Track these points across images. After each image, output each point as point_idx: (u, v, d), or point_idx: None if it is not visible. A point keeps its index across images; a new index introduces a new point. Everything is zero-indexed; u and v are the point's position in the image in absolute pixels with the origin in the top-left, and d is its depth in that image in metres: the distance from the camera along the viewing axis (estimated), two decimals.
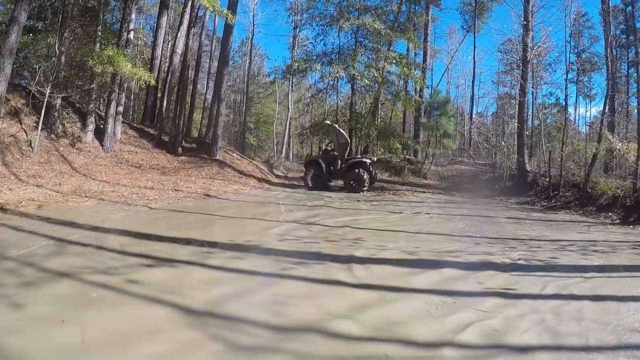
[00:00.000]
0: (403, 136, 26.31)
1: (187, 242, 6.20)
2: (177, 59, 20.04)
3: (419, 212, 11.82)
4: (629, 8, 27.58)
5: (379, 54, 24.03)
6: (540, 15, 30.71)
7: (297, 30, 34.33)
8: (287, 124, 35.22)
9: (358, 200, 14.01)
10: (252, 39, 37.01)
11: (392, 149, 23.36)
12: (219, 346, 3.03)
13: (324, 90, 26.32)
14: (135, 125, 20.12)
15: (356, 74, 23.28)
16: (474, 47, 34.47)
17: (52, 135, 14.31)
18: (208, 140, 21.16)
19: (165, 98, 19.91)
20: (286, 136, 35.43)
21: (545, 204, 16.27)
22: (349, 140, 17.92)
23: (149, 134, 18.71)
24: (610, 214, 13.72)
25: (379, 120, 25.06)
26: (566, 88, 27.83)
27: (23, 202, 8.24)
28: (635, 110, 24.64)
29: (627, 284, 5.41)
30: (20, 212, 7.42)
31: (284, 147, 35.14)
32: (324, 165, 17.10)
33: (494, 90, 43.23)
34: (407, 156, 25.85)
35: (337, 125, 17.63)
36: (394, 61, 23.80)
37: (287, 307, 3.83)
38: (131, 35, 16.83)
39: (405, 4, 24.30)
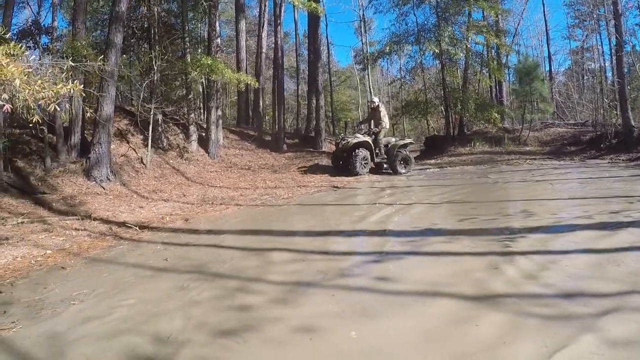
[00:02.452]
0: (500, 106, 25.33)
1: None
2: (262, 59, 20.13)
3: (554, 179, 11.56)
4: None
5: (462, 26, 23.33)
6: None
7: (363, 13, 33.99)
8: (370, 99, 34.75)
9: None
10: (327, 30, 36.72)
11: (491, 119, 22.90)
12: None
13: (413, 70, 25.53)
14: (233, 129, 20.44)
15: (448, 48, 22.66)
16: (543, 3, 32.52)
17: (160, 150, 14.60)
18: (310, 134, 21.16)
19: (260, 98, 20.07)
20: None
21: None
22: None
23: (249, 136, 18.94)
24: None
25: (469, 93, 24.01)
26: None
27: (167, 218, 8.22)
28: None
29: None
30: (173, 229, 7.34)
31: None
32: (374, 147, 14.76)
33: (565, 45, 40.60)
34: (503, 125, 24.96)
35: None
36: (482, 30, 23.07)
37: None
38: (218, 41, 16.87)
39: None
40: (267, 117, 27.31)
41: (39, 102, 5.23)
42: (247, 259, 5.17)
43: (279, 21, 20.37)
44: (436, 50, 22.46)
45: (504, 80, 27.19)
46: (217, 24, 16.92)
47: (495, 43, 23.65)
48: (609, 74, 31.22)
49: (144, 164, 13.22)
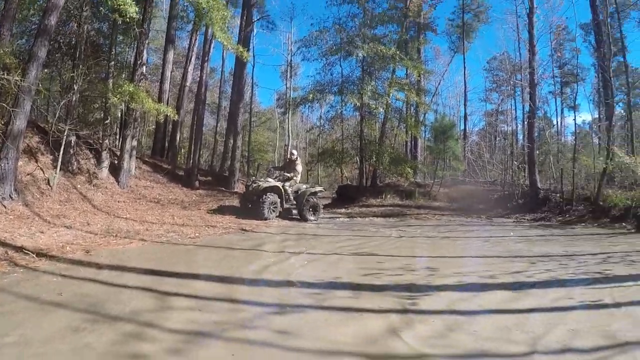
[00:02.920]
0: (413, 161, 26.48)
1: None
2: (185, 92, 19.94)
3: (460, 237, 12.32)
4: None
5: (385, 82, 24.40)
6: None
7: (291, 59, 34.81)
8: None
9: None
10: (253, 70, 37.13)
11: (404, 174, 23.67)
12: None
13: (333, 119, 26.20)
14: (147, 159, 19.86)
15: (369, 102, 23.51)
16: (464, 67, 35.13)
17: (68, 173, 13.88)
18: (224, 173, 20.98)
19: (178, 132, 19.73)
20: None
21: (561, 218, 17.18)
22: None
23: (162, 168, 18.48)
24: (624, 224, 14.93)
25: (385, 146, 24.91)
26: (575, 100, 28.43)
27: (67, 247, 7.74)
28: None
29: None
30: (72, 260, 6.93)
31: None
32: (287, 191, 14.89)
33: (481, 107, 43.64)
34: (415, 179, 25.97)
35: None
36: (404, 87, 24.23)
37: None
38: (144, 69, 16.54)
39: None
40: (182, 151, 26.94)
41: None
42: (146, 301, 4.97)
43: (207, 57, 20.42)
44: (357, 103, 23.17)
45: (420, 137, 28.47)
46: (145, 51, 16.65)
47: (415, 101, 24.83)
48: (520, 137, 34.17)
49: (50, 186, 12.49)
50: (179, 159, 21.04)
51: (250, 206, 14.58)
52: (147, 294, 5.28)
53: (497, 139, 44.45)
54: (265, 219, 13.83)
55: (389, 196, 22.68)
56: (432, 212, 19.30)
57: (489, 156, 36.99)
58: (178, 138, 19.66)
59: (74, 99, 13.92)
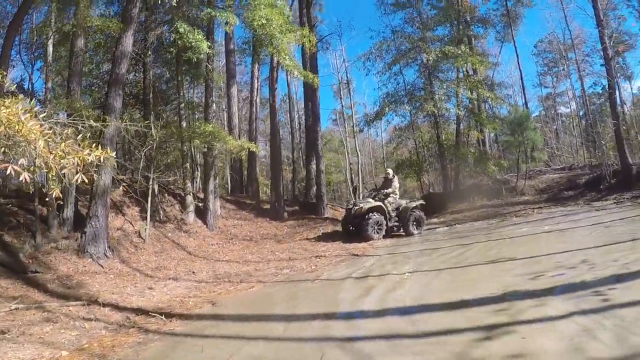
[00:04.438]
0: (497, 158, 25.26)
1: None
2: (257, 124, 19.65)
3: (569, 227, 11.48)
4: None
5: (452, 82, 23.51)
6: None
7: (347, 76, 34.31)
8: (359, 169, 34.35)
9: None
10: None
11: (489, 172, 22.78)
12: None
13: (405, 129, 25.34)
14: (228, 197, 19.53)
15: (444, 106, 22.84)
16: (517, 54, 33.07)
17: (157, 223, 13.53)
18: (310, 200, 20.40)
19: (257, 165, 19.44)
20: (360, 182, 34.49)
21: None
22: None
23: (246, 204, 18.04)
24: None
25: (467, 147, 23.91)
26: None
27: (189, 302, 7.10)
28: None
29: None
30: (203, 316, 6.27)
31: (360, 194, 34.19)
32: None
33: (536, 92, 41.55)
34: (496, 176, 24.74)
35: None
36: (475, 85, 23.16)
37: None
38: (214, 107, 16.26)
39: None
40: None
41: (63, 171, 4.26)
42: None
43: (275, 86, 20.07)
44: (433, 109, 22.30)
45: (497, 132, 27.24)
46: (213, 89, 16.40)
47: (486, 96, 23.63)
48: (581, 114, 32.30)
49: (142, 238, 12.13)
50: (260, 192, 20.75)
51: (353, 229, 14.11)
52: (329, 344, 4.43)
53: (559, 121, 42.31)
54: (371, 240, 13.28)
55: (476, 198, 21.67)
56: (528, 207, 18.06)
57: (556, 141, 35.13)
58: (256, 171, 19.29)
59: (153, 146, 13.60)
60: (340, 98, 37.18)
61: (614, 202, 15.80)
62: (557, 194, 20.30)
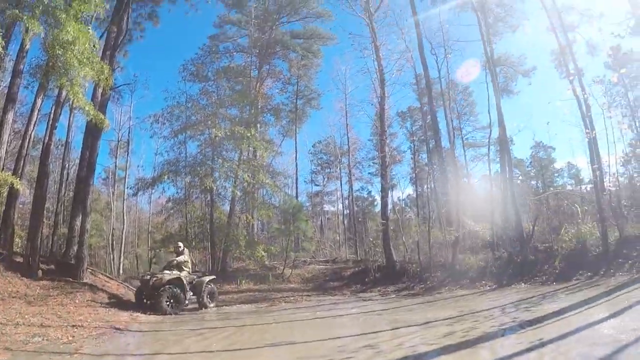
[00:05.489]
0: (268, 244, 25.73)
1: None
2: (26, 162, 16.87)
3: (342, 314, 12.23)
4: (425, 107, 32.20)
5: (234, 163, 23.82)
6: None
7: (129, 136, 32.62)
8: (122, 237, 31.77)
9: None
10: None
11: (257, 257, 22.99)
12: None
13: (180, 202, 24.38)
14: None
15: (223, 184, 22.80)
16: (296, 150, 35.99)
17: None
18: (69, 260, 17.64)
19: (14, 207, 16.38)
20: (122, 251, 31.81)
21: (423, 286, 17.64)
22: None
23: None
24: (484, 282, 16.22)
25: (240, 229, 24.04)
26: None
27: None
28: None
29: None
30: None
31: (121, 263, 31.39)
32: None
33: (306, 188, 45.08)
34: (265, 263, 25.20)
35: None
36: (255, 169, 23.93)
37: None
38: None
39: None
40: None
41: None
42: None
43: (56, 123, 17.62)
44: (211, 185, 22.07)
45: (268, 220, 28.14)
46: None
47: (265, 182, 24.41)
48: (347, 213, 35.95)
49: None
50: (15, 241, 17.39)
51: (147, 302, 13.54)
52: None
53: (325, 217, 46.08)
54: (166, 314, 12.73)
55: (243, 281, 21.73)
56: (296, 294, 18.49)
57: (321, 236, 37.83)
58: (15, 215, 16.17)
59: None
60: (116, 157, 34.97)
61: (379, 294, 17.04)
62: (323, 284, 21.37)
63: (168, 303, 13.03)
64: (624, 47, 16.86)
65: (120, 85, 24.33)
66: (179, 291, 13.41)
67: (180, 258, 14.67)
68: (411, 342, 7.05)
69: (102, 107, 17.12)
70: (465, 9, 26.95)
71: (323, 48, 33.74)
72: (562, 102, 19.34)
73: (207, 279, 15.02)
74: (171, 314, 12.78)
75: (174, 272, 14.01)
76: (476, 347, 6.63)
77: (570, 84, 17.78)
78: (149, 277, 13.95)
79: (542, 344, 6.12)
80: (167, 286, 13.21)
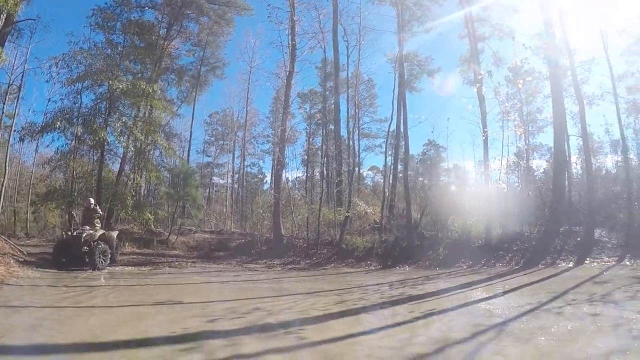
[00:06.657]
0: (156, 207, 24.84)
1: None
2: None
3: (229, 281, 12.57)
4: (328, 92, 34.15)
5: (130, 120, 22.58)
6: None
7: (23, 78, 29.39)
8: (2, 192, 28.99)
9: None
10: None
11: (146, 220, 22.21)
12: None
13: (68, 155, 22.52)
14: None
15: (117, 139, 21.63)
16: (192, 117, 35.04)
17: None
18: None
19: None
20: None
21: (309, 261, 18.45)
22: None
23: None
24: (369, 262, 17.15)
25: (128, 189, 22.97)
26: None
27: None
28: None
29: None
30: None
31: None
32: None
33: (197, 158, 44.33)
34: (150, 227, 24.35)
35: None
36: (151, 128, 23.12)
37: None
38: None
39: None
40: None
41: None
42: None
43: None
44: (104, 138, 20.89)
45: (157, 183, 27.18)
46: None
47: (160, 144, 23.60)
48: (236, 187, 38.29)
49: None
50: None
51: (65, 260, 13.47)
52: None
53: (213, 189, 45.53)
54: (99, 269, 13.18)
55: (127, 244, 20.73)
56: (181, 260, 18.35)
57: (207, 207, 37.38)
58: None
59: None
60: (4, 103, 31.61)
61: (265, 266, 17.29)
62: (209, 253, 21.32)
63: (99, 258, 13.32)
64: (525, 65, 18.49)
65: (21, 20, 21.94)
66: (106, 247, 13.91)
67: (98, 214, 14.77)
68: (301, 307, 7.48)
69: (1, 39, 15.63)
70: (384, 2, 27.93)
71: (237, 18, 32.99)
72: (466, 99, 21.55)
73: (114, 233, 15.46)
74: (102, 269, 13.20)
75: (97, 227, 14.25)
76: (369, 313, 7.38)
77: (476, 83, 18.81)
78: (72, 233, 13.79)
79: (431, 314, 6.95)
80: (97, 242, 13.59)
